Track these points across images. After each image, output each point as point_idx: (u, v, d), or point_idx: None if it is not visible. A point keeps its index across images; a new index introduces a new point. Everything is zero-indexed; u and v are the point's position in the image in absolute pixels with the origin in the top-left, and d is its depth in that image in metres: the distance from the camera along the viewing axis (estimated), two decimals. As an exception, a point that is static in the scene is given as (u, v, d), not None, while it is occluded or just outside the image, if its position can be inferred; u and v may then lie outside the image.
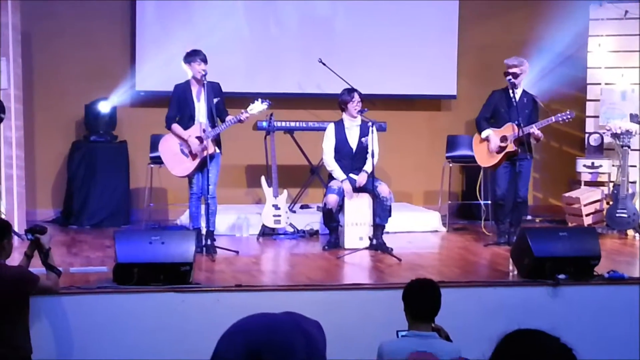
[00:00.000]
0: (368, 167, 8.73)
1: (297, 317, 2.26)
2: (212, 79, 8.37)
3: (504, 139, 8.82)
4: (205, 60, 8.28)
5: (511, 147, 8.77)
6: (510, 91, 8.85)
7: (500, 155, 8.84)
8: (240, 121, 8.32)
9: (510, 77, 8.84)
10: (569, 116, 8.73)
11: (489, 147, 8.93)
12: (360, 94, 8.84)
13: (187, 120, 8.36)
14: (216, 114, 8.36)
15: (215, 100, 8.32)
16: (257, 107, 8.45)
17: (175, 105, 8.43)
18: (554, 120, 8.73)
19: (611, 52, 10.68)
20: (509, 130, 8.79)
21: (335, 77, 9.84)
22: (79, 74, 10.34)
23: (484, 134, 8.95)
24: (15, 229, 7.74)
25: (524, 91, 8.96)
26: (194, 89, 8.36)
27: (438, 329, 4.69)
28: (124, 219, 10.06)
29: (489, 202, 9.69)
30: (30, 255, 5.86)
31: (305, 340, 2.13)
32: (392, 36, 10.99)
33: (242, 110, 8.32)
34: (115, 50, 10.52)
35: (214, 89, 8.36)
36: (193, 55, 8.32)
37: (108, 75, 10.37)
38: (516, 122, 8.66)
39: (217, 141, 8.42)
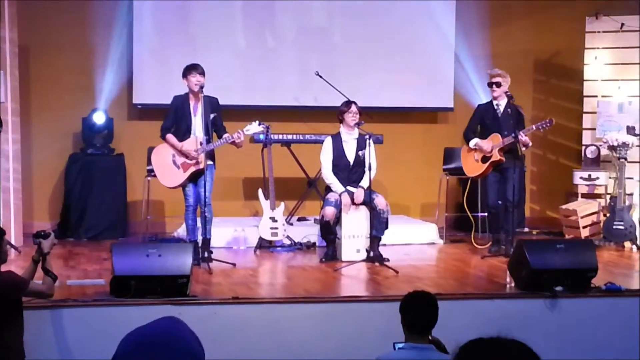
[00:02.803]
0: (365, 182, 8.74)
1: (178, 320, 2.29)
2: (209, 92, 8.38)
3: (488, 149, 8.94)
4: (202, 73, 8.28)
5: (496, 157, 8.87)
6: (495, 103, 8.98)
7: (486, 165, 8.96)
8: (234, 143, 8.29)
9: (493, 86, 8.97)
10: (548, 124, 8.81)
11: (475, 156, 9.05)
12: (358, 107, 8.86)
13: (184, 133, 8.36)
14: (213, 129, 8.35)
15: (212, 115, 8.32)
16: (254, 128, 8.45)
17: (172, 116, 8.43)
18: (534, 128, 8.82)
19: (608, 65, 10.72)
20: (495, 140, 8.90)
21: (332, 89, 9.86)
22: (76, 87, 10.36)
23: (472, 142, 9.06)
24: (12, 241, 7.74)
25: (508, 102, 9.02)
26: (192, 102, 8.36)
27: (435, 341, 4.69)
28: (121, 232, 10.05)
29: (482, 214, 9.72)
30: (37, 260, 5.88)
31: (197, 341, 2.18)
32: (389, 49, 11.01)
33: (239, 130, 8.30)
34: (112, 63, 10.53)
35: (211, 104, 8.36)
36: (189, 69, 8.33)
37: (105, 89, 10.38)
38: (506, 133, 8.78)
39: (210, 154, 8.40)
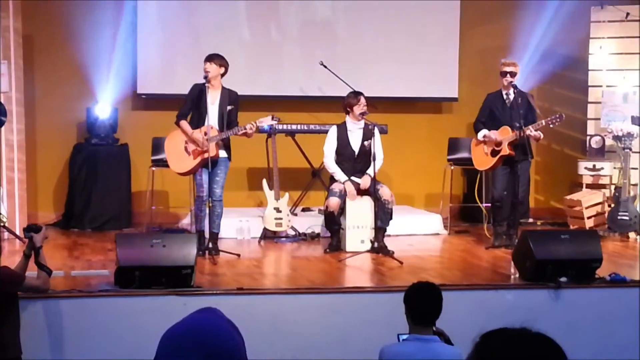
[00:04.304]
0: (372, 170, 8.73)
1: (216, 312, 2.28)
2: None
3: (498, 142, 8.83)
4: (214, 63, 8.26)
5: (505, 151, 8.77)
6: (504, 93, 8.91)
7: (495, 159, 8.85)
8: (245, 133, 8.29)
9: (508, 75, 8.87)
10: (558, 119, 8.70)
11: (485, 149, 8.96)
12: (365, 97, 8.86)
13: (197, 121, 8.36)
14: (227, 121, 8.35)
15: (228, 107, 8.32)
16: (267, 121, 8.43)
17: (189, 103, 8.44)
18: (544, 123, 8.71)
19: (612, 55, 10.68)
20: (504, 133, 8.81)
21: (336, 79, 9.85)
22: (80, 77, 10.34)
23: (480, 134, 8.98)
24: (17, 232, 7.75)
25: (518, 91, 8.95)
26: (210, 91, 8.30)
27: (439, 332, 4.68)
28: (126, 222, 10.06)
29: (487, 204, 9.70)
30: (29, 255, 5.80)
31: (236, 332, 2.17)
32: (394, 39, 10.99)
33: (252, 122, 8.29)
34: (116, 53, 10.51)
35: (230, 97, 8.39)
36: (205, 58, 8.34)
37: (109, 79, 10.37)
38: (517, 125, 8.67)
39: (226, 146, 8.41)
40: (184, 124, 8.39)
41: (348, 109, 8.87)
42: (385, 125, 9.95)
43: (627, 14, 10.50)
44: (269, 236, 9.30)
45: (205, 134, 8.18)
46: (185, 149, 8.39)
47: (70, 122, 10.44)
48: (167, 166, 8.74)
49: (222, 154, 8.36)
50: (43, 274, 5.76)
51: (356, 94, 8.90)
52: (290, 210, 9.57)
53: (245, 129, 8.24)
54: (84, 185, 9.99)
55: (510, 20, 11.32)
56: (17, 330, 5.40)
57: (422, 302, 4.62)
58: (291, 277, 7.72)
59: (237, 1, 10.71)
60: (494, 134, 8.84)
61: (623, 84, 10.54)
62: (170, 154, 8.57)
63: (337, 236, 8.76)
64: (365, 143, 8.82)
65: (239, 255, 8.26)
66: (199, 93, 8.35)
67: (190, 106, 8.43)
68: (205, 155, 8.18)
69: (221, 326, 2.18)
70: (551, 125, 8.83)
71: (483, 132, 8.96)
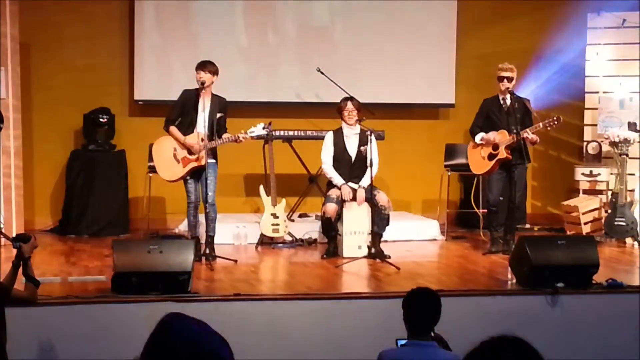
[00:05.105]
0: (365, 181, 8.72)
1: (181, 315, 2.28)
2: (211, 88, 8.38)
3: (495, 146, 8.82)
4: (207, 71, 8.23)
5: (502, 154, 8.74)
6: (501, 97, 8.90)
7: (492, 162, 8.82)
8: (236, 141, 8.30)
9: (505, 80, 8.86)
10: (555, 121, 8.70)
11: (481, 153, 8.94)
12: (357, 102, 8.85)
13: (187, 127, 8.34)
14: (216, 128, 8.34)
15: (218, 115, 8.32)
16: (257, 131, 8.41)
17: (179, 109, 8.40)
18: (541, 126, 8.71)
19: (609, 61, 10.69)
20: (502, 136, 8.80)
21: (333, 86, 9.84)
22: (77, 83, 10.35)
23: (478, 137, 8.95)
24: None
25: (515, 96, 8.94)
26: (201, 98, 8.29)
27: (438, 337, 4.69)
28: (123, 228, 10.04)
29: (484, 210, 9.70)
30: (17, 265, 5.64)
31: (219, 338, 2.19)
32: (391, 45, 10.99)
33: (242, 131, 8.30)
34: (113, 60, 10.52)
35: (220, 104, 8.37)
36: (197, 65, 8.32)
37: (107, 85, 10.38)
38: (514, 131, 8.66)
39: (213, 152, 8.40)
40: (175, 130, 8.36)
41: (339, 114, 8.90)
42: (382, 131, 9.95)
43: (624, 20, 10.52)
44: (266, 242, 9.29)
45: (203, 140, 8.18)
46: (174, 156, 8.37)
47: (67, 128, 10.43)
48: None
49: (210, 159, 8.35)
50: (30, 286, 5.62)
51: (345, 99, 8.91)
52: (287, 216, 9.57)
53: (236, 138, 8.24)
54: (81, 192, 9.99)
55: (507, 26, 11.33)
56: (3, 343, 5.29)
57: (421, 308, 4.62)
58: (288, 283, 7.72)
59: (234, 7, 10.73)
60: (492, 135, 8.80)
61: (620, 90, 10.55)
62: (158, 160, 8.52)
63: (334, 242, 8.75)
64: (362, 149, 8.82)
65: (236, 261, 8.26)
66: (190, 99, 8.33)
67: (180, 112, 8.40)
68: (198, 162, 8.18)
69: (194, 330, 2.18)
70: (548, 128, 8.85)
71: (481, 135, 8.92)
